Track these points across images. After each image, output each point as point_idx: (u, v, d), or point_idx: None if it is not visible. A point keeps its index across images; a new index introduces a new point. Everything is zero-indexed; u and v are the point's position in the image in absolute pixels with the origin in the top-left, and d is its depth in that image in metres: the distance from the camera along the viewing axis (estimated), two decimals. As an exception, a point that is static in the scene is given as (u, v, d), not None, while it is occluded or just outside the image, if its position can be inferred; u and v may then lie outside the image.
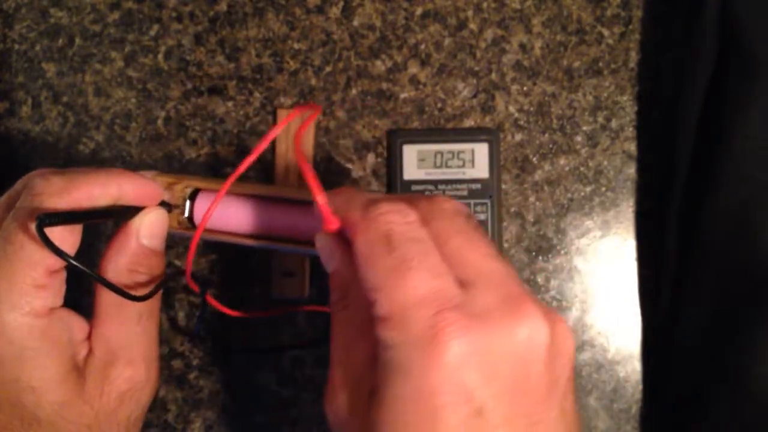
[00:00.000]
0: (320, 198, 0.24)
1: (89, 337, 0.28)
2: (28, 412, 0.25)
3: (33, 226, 0.24)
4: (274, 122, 0.39)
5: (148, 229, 0.29)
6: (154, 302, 0.29)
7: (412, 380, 0.21)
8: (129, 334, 0.28)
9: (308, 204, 0.31)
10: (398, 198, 0.25)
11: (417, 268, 0.22)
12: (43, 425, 0.25)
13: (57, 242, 0.24)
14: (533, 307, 0.22)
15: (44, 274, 0.25)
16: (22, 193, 0.26)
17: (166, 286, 0.39)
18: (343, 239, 0.26)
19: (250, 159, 0.28)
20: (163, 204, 0.31)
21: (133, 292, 0.28)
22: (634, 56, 0.40)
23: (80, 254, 0.26)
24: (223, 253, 0.39)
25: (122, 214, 0.29)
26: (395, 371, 0.21)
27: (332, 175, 0.39)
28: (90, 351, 0.28)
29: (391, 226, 0.23)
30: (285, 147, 0.39)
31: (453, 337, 0.20)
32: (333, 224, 0.25)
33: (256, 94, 0.40)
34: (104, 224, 0.39)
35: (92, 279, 0.26)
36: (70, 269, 0.27)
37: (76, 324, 0.28)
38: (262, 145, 0.28)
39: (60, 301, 0.27)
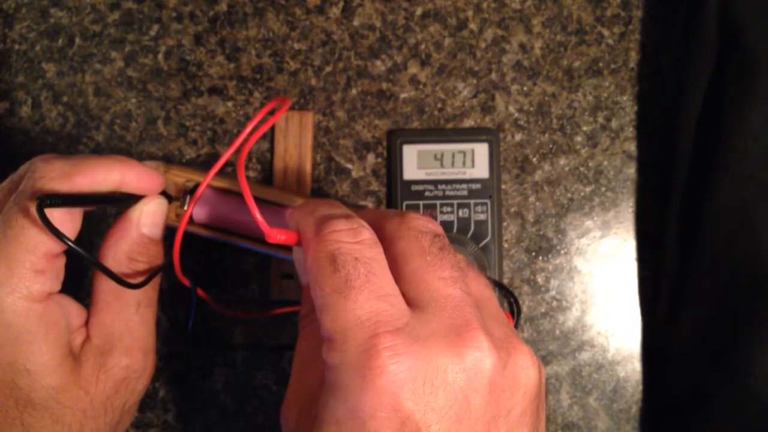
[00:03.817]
0: (257, 215, 0.24)
1: (87, 324, 0.28)
2: (23, 395, 0.25)
3: (33, 208, 0.24)
4: (273, 125, 0.39)
5: (149, 217, 0.29)
6: (153, 292, 0.30)
7: (348, 402, 0.20)
8: (127, 322, 0.28)
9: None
10: (370, 213, 0.25)
11: (359, 289, 0.21)
12: (38, 408, 0.26)
13: (57, 225, 0.24)
14: (480, 335, 0.21)
15: (43, 258, 0.25)
16: (24, 176, 0.26)
17: (162, 274, 0.39)
18: None
19: (231, 149, 0.28)
20: (164, 194, 0.31)
21: (131, 281, 0.28)
22: (634, 56, 0.40)
23: (80, 246, 0.26)
24: (223, 255, 0.39)
25: (123, 202, 0.29)
26: (334, 393, 0.21)
27: (332, 175, 0.39)
28: (87, 338, 0.28)
29: (338, 245, 0.22)
30: (283, 148, 0.39)
31: (389, 360, 0.20)
32: (272, 239, 0.24)
33: (256, 94, 0.40)
34: (105, 221, 0.39)
35: (90, 264, 0.26)
36: (69, 255, 0.27)
37: (74, 310, 0.28)
38: (239, 139, 0.28)
39: (58, 286, 0.27)
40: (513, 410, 0.22)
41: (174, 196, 0.32)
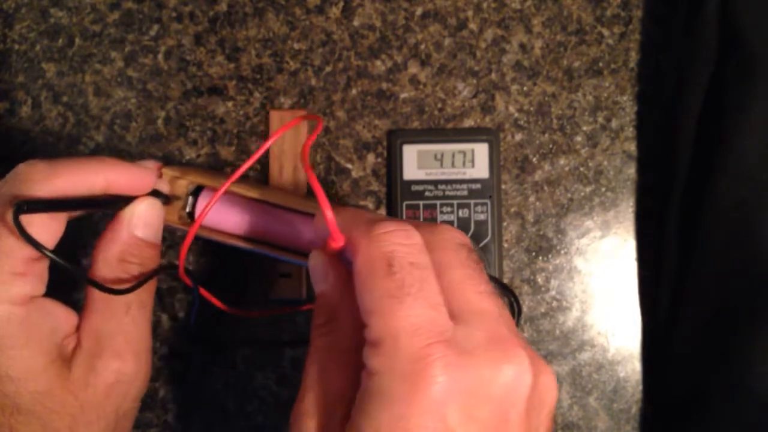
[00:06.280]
0: (329, 213, 0.23)
1: (78, 328, 0.28)
2: (9, 401, 0.25)
3: (10, 215, 0.24)
4: (267, 123, 0.39)
5: (141, 219, 0.29)
6: (146, 294, 0.29)
7: (393, 410, 0.20)
8: (117, 325, 0.28)
9: (308, 215, 0.31)
10: (401, 220, 0.25)
11: (415, 296, 0.21)
12: (24, 413, 0.25)
13: (37, 229, 0.24)
14: (521, 351, 0.21)
15: (23, 262, 0.25)
16: (7, 182, 0.26)
17: (159, 277, 0.39)
18: (338, 261, 0.25)
19: (250, 162, 0.28)
20: (160, 195, 0.30)
21: (124, 284, 0.28)
22: (634, 56, 0.40)
23: (77, 250, 0.26)
24: (222, 255, 0.39)
25: (112, 204, 0.28)
26: (378, 399, 0.21)
27: (332, 175, 0.39)
28: (78, 342, 0.27)
29: (395, 248, 0.22)
30: (278, 149, 0.39)
31: (440, 371, 0.20)
32: (339, 241, 0.23)
33: (256, 94, 0.40)
34: (104, 222, 0.39)
35: (67, 270, 0.25)
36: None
37: (62, 315, 0.27)
38: (263, 149, 0.28)
39: (41, 289, 0.27)
40: (540, 428, 0.22)
41: (174, 196, 0.32)
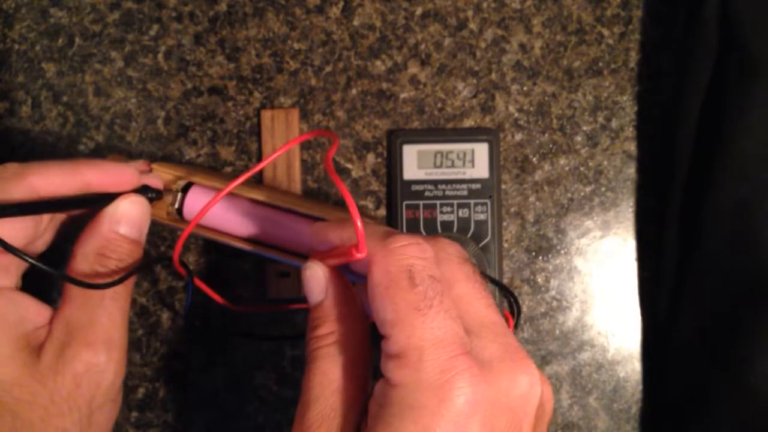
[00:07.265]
0: (359, 224, 0.23)
1: (52, 320, 0.28)
2: None
3: None
4: (259, 123, 0.39)
5: (123, 215, 0.29)
6: (121, 286, 0.29)
7: (420, 422, 0.20)
8: (89, 315, 0.28)
9: (304, 217, 0.31)
10: (410, 234, 0.25)
11: (437, 308, 0.21)
12: None
13: (9, 225, 0.24)
14: (531, 363, 0.22)
15: None
16: None
17: (159, 277, 0.39)
18: (338, 272, 0.25)
19: (256, 168, 0.28)
20: (149, 191, 0.30)
21: (102, 279, 0.28)
22: (634, 56, 0.40)
23: (64, 243, 0.26)
24: (220, 254, 0.39)
25: (95, 203, 0.28)
26: (402, 411, 0.21)
27: (332, 175, 0.39)
28: (49, 332, 0.27)
29: (413, 261, 0.22)
30: (271, 147, 0.39)
31: (465, 382, 0.20)
32: (364, 253, 0.23)
33: (256, 94, 0.40)
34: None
35: (36, 267, 0.26)
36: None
37: (32, 307, 0.27)
38: (271, 158, 0.28)
39: (11, 281, 0.27)
40: None
41: (168, 191, 0.32)
